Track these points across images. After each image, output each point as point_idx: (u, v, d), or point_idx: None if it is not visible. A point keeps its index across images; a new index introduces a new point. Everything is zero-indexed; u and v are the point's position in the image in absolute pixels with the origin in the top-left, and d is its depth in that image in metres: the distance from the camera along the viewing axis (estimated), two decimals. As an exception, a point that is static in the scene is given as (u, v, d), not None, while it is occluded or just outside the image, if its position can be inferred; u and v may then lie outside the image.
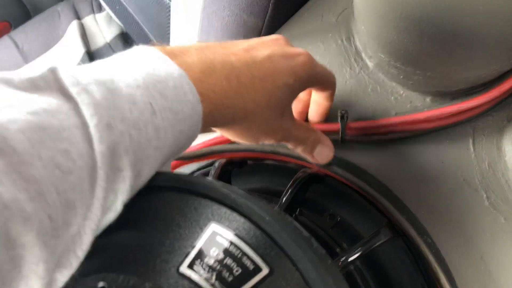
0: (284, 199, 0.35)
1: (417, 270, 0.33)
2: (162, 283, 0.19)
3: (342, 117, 0.36)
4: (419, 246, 0.32)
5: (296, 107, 0.38)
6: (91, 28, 0.92)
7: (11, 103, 0.17)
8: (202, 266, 0.20)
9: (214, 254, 0.20)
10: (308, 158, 0.33)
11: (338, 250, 0.34)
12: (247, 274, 0.19)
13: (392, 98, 0.37)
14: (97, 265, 0.20)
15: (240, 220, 0.21)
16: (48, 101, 0.18)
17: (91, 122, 0.18)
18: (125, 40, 0.93)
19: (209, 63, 0.25)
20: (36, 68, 0.20)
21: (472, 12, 0.24)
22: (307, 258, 0.19)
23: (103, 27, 0.92)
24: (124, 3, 0.82)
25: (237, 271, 0.19)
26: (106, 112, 0.19)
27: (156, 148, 0.21)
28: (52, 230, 0.17)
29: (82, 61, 0.87)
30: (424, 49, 0.29)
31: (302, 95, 0.37)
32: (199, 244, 0.20)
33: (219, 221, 0.21)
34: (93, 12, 0.94)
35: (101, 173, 0.19)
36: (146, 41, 0.82)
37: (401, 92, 0.37)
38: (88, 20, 0.93)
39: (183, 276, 0.19)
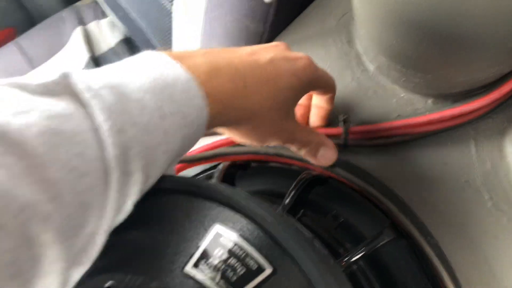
0: (287, 200, 0.35)
1: (420, 271, 0.33)
2: (168, 283, 0.20)
3: (344, 122, 0.36)
4: (422, 247, 0.32)
5: (297, 111, 0.38)
6: (95, 33, 0.93)
7: (28, 108, 0.18)
8: (206, 266, 0.20)
9: (218, 255, 0.20)
10: (312, 160, 0.33)
11: (341, 251, 0.35)
12: (251, 273, 0.20)
13: (394, 101, 0.38)
14: (105, 264, 0.20)
15: (244, 221, 0.21)
16: (62, 106, 0.19)
17: (104, 127, 0.19)
18: (129, 45, 0.94)
19: (215, 65, 0.26)
20: (42, 73, 0.20)
21: (471, 15, 0.25)
22: (310, 258, 0.20)
23: (106, 32, 0.93)
24: (127, 9, 0.83)
25: (240, 270, 0.20)
26: (118, 117, 0.19)
27: (164, 152, 0.22)
28: (69, 229, 0.17)
29: (87, 67, 0.88)
30: (425, 52, 0.29)
31: (303, 100, 0.38)
32: (204, 245, 0.21)
33: (223, 222, 0.21)
34: (97, 18, 0.95)
35: (114, 176, 0.19)
36: (150, 46, 0.83)
37: (402, 94, 0.37)
38: (92, 26, 0.94)
39: (188, 276, 0.20)
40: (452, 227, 0.33)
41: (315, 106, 0.37)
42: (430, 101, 0.36)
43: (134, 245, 0.21)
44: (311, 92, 0.36)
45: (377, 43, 0.33)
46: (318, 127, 0.38)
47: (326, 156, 0.33)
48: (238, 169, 0.41)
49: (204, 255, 0.20)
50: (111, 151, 0.19)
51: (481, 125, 0.35)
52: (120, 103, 0.20)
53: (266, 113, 0.28)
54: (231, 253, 0.20)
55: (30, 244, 0.16)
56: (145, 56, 0.24)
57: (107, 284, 0.20)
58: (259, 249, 0.20)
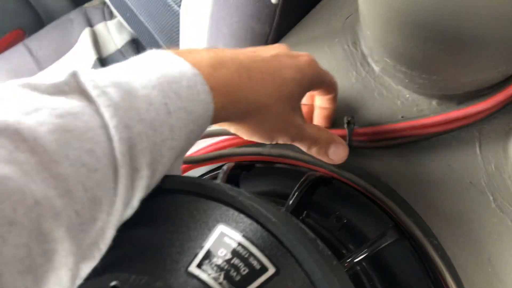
0: (291, 201, 0.35)
1: (423, 271, 0.33)
2: (172, 283, 0.20)
3: (348, 123, 0.36)
4: (425, 248, 0.32)
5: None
6: (102, 35, 0.94)
7: (39, 107, 0.18)
8: (210, 266, 0.20)
9: (222, 255, 0.21)
10: (324, 159, 0.33)
11: (344, 251, 0.35)
12: (254, 273, 0.20)
13: (399, 102, 0.38)
14: (109, 262, 0.21)
15: (247, 221, 0.21)
16: (72, 104, 0.19)
17: (111, 123, 0.19)
18: (136, 46, 0.95)
19: (219, 58, 0.26)
20: (50, 74, 0.21)
21: (475, 16, 0.25)
22: (313, 259, 0.20)
23: (114, 34, 0.94)
24: (135, 10, 0.84)
25: (244, 270, 0.20)
26: (125, 113, 0.20)
27: (170, 148, 0.22)
28: (80, 225, 0.18)
29: (94, 68, 0.89)
30: (429, 53, 0.29)
31: (305, 100, 0.38)
32: (208, 245, 0.21)
33: (227, 222, 0.21)
34: (104, 19, 0.96)
35: (122, 172, 0.20)
36: (157, 47, 0.83)
37: (407, 95, 0.37)
38: (99, 27, 0.95)
39: (192, 275, 0.20)
40: (455, 227, 0.33)
41: (318, 107, 0.37)
42: (434, 102, 0.36)
43: (138, 244, 0.22)
44: (313, 93, 0.36)
45: (383, 44, 0.33)
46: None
47: (337, 153, 0.32)
48: (242, 170, 0.42)
49: (208, 255, 0.21)
50: (118, 147, 0.19)
51: (486, 126, 0.35)
52: (127, 99, 0.20)
53: (273, 104, 0.28)
54: (234, 253, 0.20)
55: (42, 239, 0.16)
56: (150, 54, 0.25)
57: (112, 284, 0.20)
58: (263, 249, 0.20)
